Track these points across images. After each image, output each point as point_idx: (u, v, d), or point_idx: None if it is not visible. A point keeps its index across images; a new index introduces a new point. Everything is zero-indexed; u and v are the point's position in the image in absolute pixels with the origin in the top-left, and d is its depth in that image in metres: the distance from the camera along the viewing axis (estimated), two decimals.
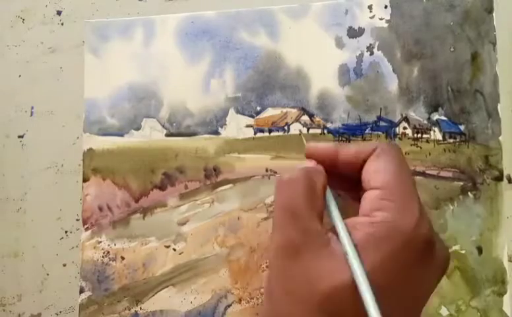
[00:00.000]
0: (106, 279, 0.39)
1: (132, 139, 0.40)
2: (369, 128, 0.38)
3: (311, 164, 0.27)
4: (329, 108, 0.38)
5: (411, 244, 0.22)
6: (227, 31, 0.40)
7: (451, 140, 0.37)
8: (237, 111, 0.39)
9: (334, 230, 0.24)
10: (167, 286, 0.38)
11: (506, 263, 0.35)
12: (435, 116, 0.37)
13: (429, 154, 0.37)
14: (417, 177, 0.37)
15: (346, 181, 0.27)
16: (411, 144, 0.37)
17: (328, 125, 0.38)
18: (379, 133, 0.38)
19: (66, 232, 0.41)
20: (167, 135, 0.40)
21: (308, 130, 0.39)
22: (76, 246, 0.40)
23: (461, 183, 0.36)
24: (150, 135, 0.40)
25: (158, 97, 0.40)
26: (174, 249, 0.39)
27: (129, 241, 0.39)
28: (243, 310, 0.37)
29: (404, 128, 0.37)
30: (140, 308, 0.38)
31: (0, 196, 0.42)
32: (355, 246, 0.22)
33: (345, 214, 0.24)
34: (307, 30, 0.39)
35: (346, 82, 0.38)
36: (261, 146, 0.39)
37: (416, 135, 0.37)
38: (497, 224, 0.35)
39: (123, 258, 0.39)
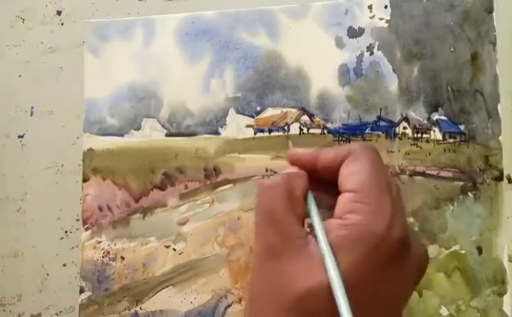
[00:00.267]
0: (106, 279, 0.39)
1: (132, 139, 0.40)
2: (369, 128, 0.38)
3: (293, 169, 0.28)
4: (329, 108, 0.38)
5: (383, 246, 0.22)
6: (227, 31, 0.40)
7: (451, 140, 0.37)
8: (237, 111, 0.39)
9: (314, 233, 0.24)
10: (167, 286, 0.38)
11: (506, 263, 0.35)
12: (435, 116, 0.37)
13: (429, 154, 0.37)
14: (417, 177, 0.37)
15: (329, 185, 0.28)
16: (411, 144, 0.37)
17: (328, 125, 0.38)
18: (379, 132, 0.38)
19: (66, 232, 0.41)
20: (167, 135, 0.40)
21: (308, 130, 0.39)
22: (76, 246, 0.40)
23: (461, 183, 0.36)
24: (150, 135, 0.40)
25: (158, 97, 0.40)
26: (174, 249, 0.39)
27: (129, 241, 0.39)
28: (243, 310, 0.37)
29: (404, 128, 0.37)
30: (140, 308, 0.38)
31: (0, 196, 0.42)
32: (332, 249, 0.22)
33: (330, 217, 0.25)
34: (307, 30, 0.39)
35: (346, 82, 0.38)
36: (261, 146, 0.39)
37: (416, 135, 0.37)
38: (497, 224, 0.35)
39: (123, 258, 0.39)
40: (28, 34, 0.44)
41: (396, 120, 0.38)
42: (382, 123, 0.38)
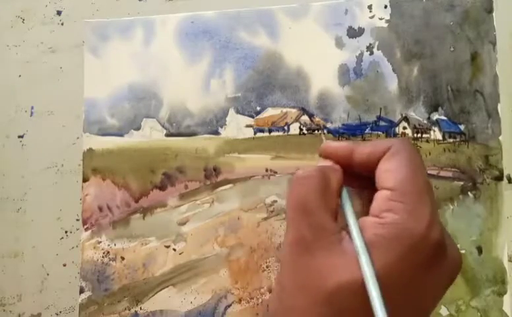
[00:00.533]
0: (106, 279, 0.39)
1: (132, 139, 0.40)
2: (369, 128, 0.38)
3: (327, 163, 0.27)
4: (329, 108, 0.38)
5: (420, 247, 0.22)
6: (227, 31, 0.40)
7: (451, 140, 0.37)
8: (237, 111, 0.39)
9: (347, 229, 0.24)
10: (167, 286, 0.38)
11: (506, 263, 0.35)
12: (435, 116, 0.37)
13: (429, 153, 0.37)
14: None
15: (364, 180, 0.27)
16: None
17: (328, 125, 0.38)
18: (379, 132, 0.38)
19: (66, 232, 0.41)
20: (167, 135, 0.40)
21: (308, 130, 0.39)
22: (76, 246, 0.40)
23: (461, 183, 0.36)
24: (150, 135, 0.40)
25: (158, 97, 0.41)
26: (174, 249, 0.39)
27: (129, 241, 0.39)
28: (243, 310, 0.37)
29: (404, 128, 0.37)
30: (140, 308, 0.38)
31: (0, 196, 0.42)
32: (366, 245, 0.22)
33: (364, 214, 0.24)
34: (307, 30, 0.39)
35: (346, 82, 0.38)
36: (261, 146, 0.39)
37: (415, 135, 0.37)
38: (497, 224, 0.35)
39: (123, 258, 0.39)
40: (28, 34, 0.44)
41: (396, 120, 0.38)
42: (382, 123, 0.38)
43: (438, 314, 0.35)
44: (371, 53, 0.38)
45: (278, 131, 0.39)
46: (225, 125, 0.39)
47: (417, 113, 0.37)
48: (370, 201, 0.25)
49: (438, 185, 0.36)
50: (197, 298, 0.38)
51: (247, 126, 0.39)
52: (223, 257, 0.38)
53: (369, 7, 0.39)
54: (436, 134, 0.37)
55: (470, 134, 0.37)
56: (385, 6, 0.38)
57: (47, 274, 0.41)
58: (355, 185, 0.27)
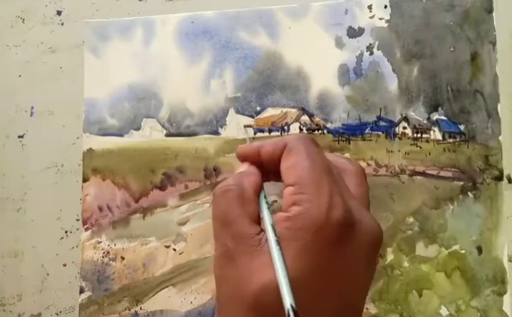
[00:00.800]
0: (106, 279, 0.39)
1: (132, 139, 0.40)
2: (369, 128, 0.38)
3: (244, 166, 0.29)
4: (329, 108, 0.38)
5: (325, 230, 0.22)
6: (227, 31, 0.40)
7: (451, 140, 0.37)
8: (237, 111, 0.39)
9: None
10: (167, 287, 0.38)
11: (506, 263, 0.35)
12: (435, 116, 0.37)
13: (429, 153, 0.37)
14: (417, 177, 0.37)
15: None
16: (411, 144, 0.37)
17: (328, 125, 0.38)
18: (379, 132, 0.38)
19: (66, 232, 0.41)
20: (167, 135, 0.40)
21: (308, 130, 0.39)
22: (76, 246, 0.40)
23: (461, 183, 0.36)
24: (150, 135, 0.40)
25: (158, 97, 0.41)
26: (174, 249, 0.39)
27: (129, 241, 0.39)
28: None
29: (404, 128, 0.37)
30: (140, 308, 0.38)
31: (0, 196, 0.42)
32: (278, 241, 0.23)
33: None
34: (307, 30, 0.39)
35: (346, 82, 0.38)
36: None
37: (415, 135, 0.37)
38: (497, 224, 0.35)
39: (123, 258, 0.39)
40: (28, 34, 0.44)
41: (396, 120, 0.38)
42: (382, 123, 0.38)
43: (438, 314, 0.35)
44: (371, 53, 0.38)
45: (278, 131, 0.39)
46: (225, 125, 0.39)
47: (417, 113, 0.37)
48: None
49: (438, 185, 0.36)
50: (197, 298, 0.38)
51: (247, 126, 0.39)
52: None
53: (369, 7, 0.39)
54: (436, 134, 0.37)
55: (470, 134, 0.37)
56: (385, 6, 0.38)
57: (47, 274, 0.41)
58: (278, 179, 0.27)
